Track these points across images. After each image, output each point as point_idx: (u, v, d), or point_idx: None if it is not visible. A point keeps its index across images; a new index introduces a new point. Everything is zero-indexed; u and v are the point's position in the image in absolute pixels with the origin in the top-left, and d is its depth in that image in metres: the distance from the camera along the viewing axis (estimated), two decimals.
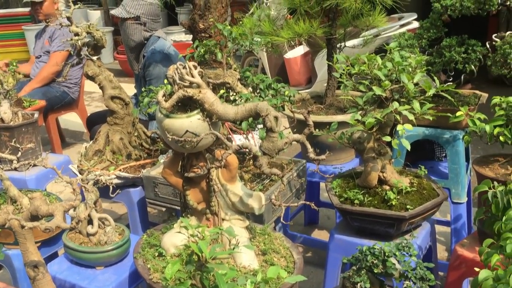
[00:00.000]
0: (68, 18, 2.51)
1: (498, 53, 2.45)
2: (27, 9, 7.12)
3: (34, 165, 2.81)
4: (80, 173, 2.56)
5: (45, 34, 4.52)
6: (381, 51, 2.20)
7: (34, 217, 1.44)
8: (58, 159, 3.09)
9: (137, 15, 3.25)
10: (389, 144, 1.97)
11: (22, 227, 1.33)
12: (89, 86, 5.09)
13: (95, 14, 9.05)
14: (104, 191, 2.32)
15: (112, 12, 3.42)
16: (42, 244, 2.20)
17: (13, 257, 2.15)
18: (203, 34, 2.68)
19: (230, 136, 2.43)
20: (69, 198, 3.57)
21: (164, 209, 2.51)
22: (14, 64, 3.02)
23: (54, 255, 2.31)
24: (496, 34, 2.62)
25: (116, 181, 2.48)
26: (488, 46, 2.55)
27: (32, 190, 2.45)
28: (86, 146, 2.75)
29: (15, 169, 2.75)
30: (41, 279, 1.52)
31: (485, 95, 2.69)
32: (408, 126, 1.88)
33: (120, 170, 2.54)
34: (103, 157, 2.65)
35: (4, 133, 2.74)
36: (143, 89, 2.51)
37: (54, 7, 4.49)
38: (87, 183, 2.02)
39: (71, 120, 5.37)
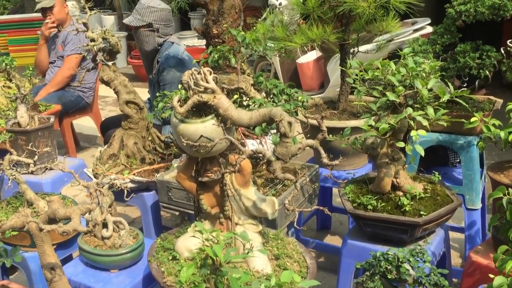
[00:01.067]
0: (84, 24, 2.55)
1: None
2: None
3: (50, 169, 2.84)
4: (94, 177, 2.59)
5: (58, 39, 4.55)
6: (394, 56, 2.20)
7: (51, 220, 1.46)
8: (73, 163, 3.13)
9: (149, 22, 3.27)
10: (402, 149, 1.97)
11: (41, 230, 1.36)
12: (103, 90, 5.13)
13: (109, 20, 9.13)
14: (118, 195, 2.34)
15: (124, 21, 3.45)
16: (57, 247, 2.22)
17: (29, 259, 2.18)
18: (216, 40, 2.71)
19: (243, 141, 2.45)
20: (83, 202, 3.60)
21: (177, 213, 2.53)
22: (30, 69, 3.07)
23: (69, 258, 2.34)
24: (511, 40, 2.61)
25: (130, 185, 2.51)
26: (502, 51, 2.54)
27: (48, 193, 2.49)
28: (100, 150, 2.78)
29: (32, 172, 2.78)
30: (58, 281, 1.54)
31: (500, 100, 2.67)
32: (422, 132, 1.87)
33: (134, 174, 2.56)
34: (117, 161, 2.68)
35: (21, 137, 2.78)
36: (157, 94, 2.54)
37: (65, 12, 4.49)
38: (102, 187, 2.04)
39: (85, 124, 5.42)
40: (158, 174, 2.53)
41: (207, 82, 1.60)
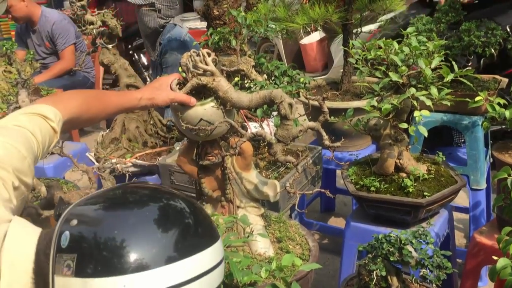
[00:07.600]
0: (83, 7, 2.52)
1: None
2: None
3: (52, 153, 2.84)
4: (97, 161, 2.59)
5: (40, 35, 4.39)
6: (398, 36, 2.16)
7: (51, 205, 1.45)
8: (75, 147, 3.13)
9: (152, 2, 3.24)
10: (406, 130, 1.94)
11: (39, 215, 1.35)
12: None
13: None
14: (121, 179, 2.34)
15: None
16: None
17: None
18: (217, 21, 2.67)
19: (246, 123, 2.43)
20: (87, 186, 3.61)
21: None
22: (31, 53, 3.05)
23: None
24: None
25: (133, 169, 2.50)
26: (508, 29, 2.49)
27: (50, 178, 2.49)
28: (102, 134, 2.78)
29: None
30: None
31: (505, 79, 2.63)
32: (425, 112, 1.84)
33: (136, 158, 2.56)
34: (119, 145, 2.68)
35: None
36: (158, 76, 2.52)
37: (24, 5, 4.24)
38: (103, 171, 2.03)
39: None
40: (160, 158, 2.52)
41: (206, 64, 1.57)
